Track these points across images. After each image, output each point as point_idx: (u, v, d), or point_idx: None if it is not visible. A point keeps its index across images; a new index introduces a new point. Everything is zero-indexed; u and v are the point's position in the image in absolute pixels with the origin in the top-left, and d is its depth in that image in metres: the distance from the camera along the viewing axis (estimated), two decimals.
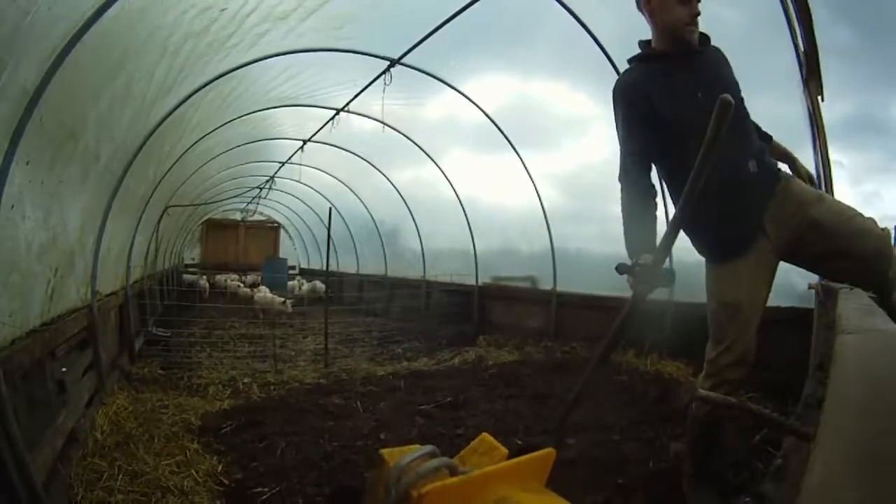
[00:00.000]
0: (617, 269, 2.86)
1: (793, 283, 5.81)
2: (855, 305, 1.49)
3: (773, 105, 6.32)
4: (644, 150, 3.13)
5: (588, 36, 6.80)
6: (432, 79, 8.70)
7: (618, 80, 3.32)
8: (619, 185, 3.15)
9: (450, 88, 8.96)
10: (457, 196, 11.80)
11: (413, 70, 8.29)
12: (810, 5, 4.57)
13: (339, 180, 14.94)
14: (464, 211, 11.88)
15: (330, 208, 10.06)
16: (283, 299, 12.99)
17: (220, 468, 4.42)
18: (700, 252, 3.29)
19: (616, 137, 3.30)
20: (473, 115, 9.50)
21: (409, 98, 9.35)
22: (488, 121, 9.43)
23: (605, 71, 7.11)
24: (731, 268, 3.02)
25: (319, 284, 17.04)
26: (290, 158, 13.36)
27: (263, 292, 14.49)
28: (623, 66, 6.97)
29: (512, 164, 9.82)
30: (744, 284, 2.95)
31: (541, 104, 9.46)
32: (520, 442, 4.70)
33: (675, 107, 2.97)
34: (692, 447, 3.19)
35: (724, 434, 3.23)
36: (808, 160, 5.52)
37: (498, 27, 7.31)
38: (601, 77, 7.35)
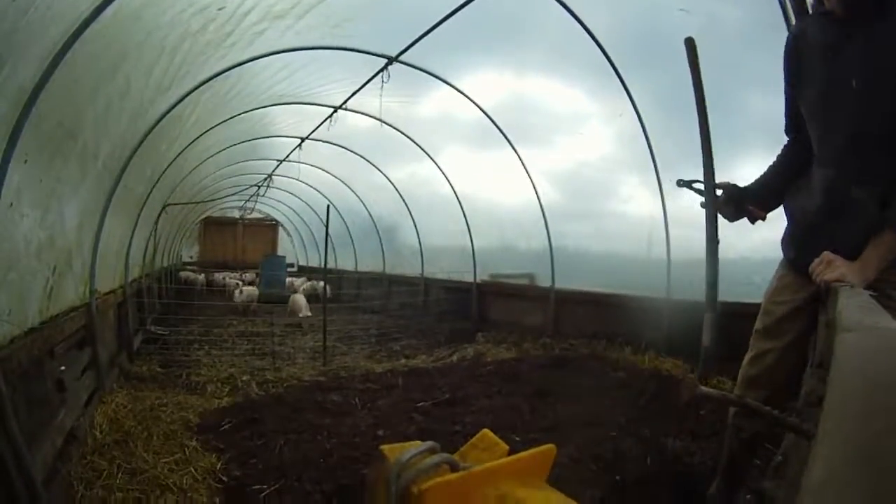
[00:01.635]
0: (678, 182, 3.09)
1: None
2: (855, 303, 1.49)
3: (771, 101, 6.32)
4: (787, 108, 2.95)
5: (585, 32, 6.80)
6: (429, 76, 8.70)
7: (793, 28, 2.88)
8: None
9: (447, 85, 8.95)
10: (454, 193, 11.82)
11: (410, 67, 8.28)
12: (808, 2, 4.57)
13: (337, 178, 14.93)
14: (461, 208, 11.89)
15: (328, 206, 10.06)
16: (308, 305, 12.98)
17: (218, 466, 4.43)
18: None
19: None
20: (471, 113, 9.50)
21: (407, 95, 9.35)
22: (485, 118, 9.43)
23: (601, 68, 7.12)
24: (787, 276, 2.84)
25: (319, 284, 17.01)
26: (288, 156, 13.34)
27: (247, 291, 14.54)
28: (619, 63, 7.01)
29: (509, 161, 9.83)
30: (789, 297, 2.77)
31: (537, 101, 9.46)
32: (518, 438, 4.71)
33: (810, 84, 2.63)
34: (728, 460, 3.12)
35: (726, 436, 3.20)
36: None
37: (495, 24, 7.30)
38: (598, 73, 7.36)
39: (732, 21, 5.98)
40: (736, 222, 2.99)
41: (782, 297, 2.81)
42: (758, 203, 2.95)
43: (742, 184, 2.95)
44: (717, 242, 2.90)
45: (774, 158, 3.04)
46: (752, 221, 2.98)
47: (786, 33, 4.41)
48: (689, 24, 6.16)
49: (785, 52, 2.75)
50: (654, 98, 7.41)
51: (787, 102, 2.90)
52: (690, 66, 2.89)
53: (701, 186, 2.98)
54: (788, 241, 2.81)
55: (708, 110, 3.08)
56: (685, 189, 3.13)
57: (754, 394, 2.76)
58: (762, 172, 3.03)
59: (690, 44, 2.88)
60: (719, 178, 2.99)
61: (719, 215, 3.06)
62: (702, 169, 3.28)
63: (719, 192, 2.98)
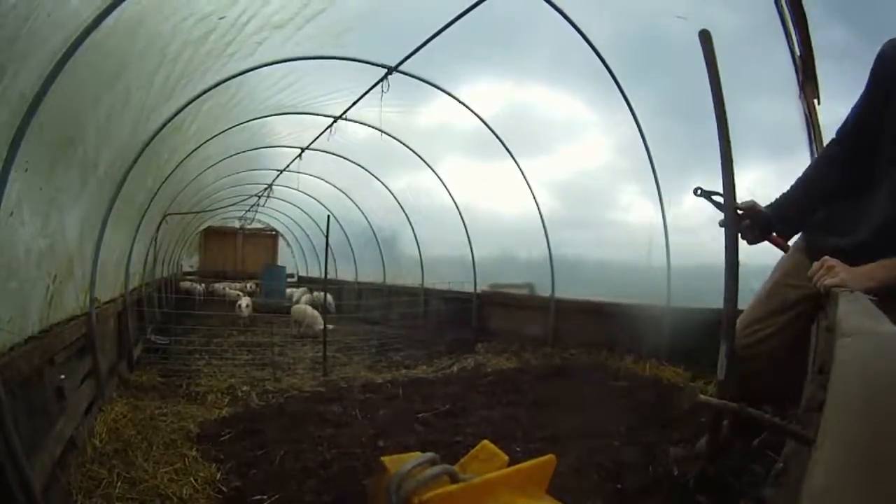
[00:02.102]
0: (695, 191, 2.98)
1: None
2: (856, 308, 1.49)
3: (769, 108, 6.32)
4: (856, 118, 2.65)
5: (584, 42, 6.83)
6: (429, 86, 8.72)
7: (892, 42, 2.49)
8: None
9: (446, 95, 8.97)
10: (454, 203, 11.83)
11: (410, 77, 8.31)
12: (805, 9, 4.59)
13: (337, 188, 14.95)
14: (461, 218, 11.90)
15: (328, 216, 10.06)
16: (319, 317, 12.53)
17: (218, 476, 4.41)
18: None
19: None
20: (470, 122, 9.54)
21: (406, 105, 9.37)
22: (485, 128, 9.46)
23: (600, 76, 7.14)
24: (805, 260, 2.72)
25: (321, 295, 16.78)
26: (288, 166, 13.36)
27: (246, 301, 14.16)
28: (617, 71, 7.03)
29: (509, 170, 9.86)
30: (803, 282, 2.63)
31: (536, 110, 9.47)
32: (518, 448, 4.70)
33: None
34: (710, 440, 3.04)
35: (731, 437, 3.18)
36: (804, 162, 5.55)
37: (493, 33, 7.31)
38: (596, 82, 7.38)
39: (730, 28, 6.00)
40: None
41: (795, 281, 2.79)
42: (786, 229, 2.92)
43: (743, 194, 2.89)
44: (737, 271, 2.75)
45: (810, 169, 2.95)
46: (780, 247, 2.97)
47: (783, 40, 4.37)
48: (686, 32, 6.19)
49: (872, 71, 2.51)
50: (651, 106, 7.42)
51: (858, 111, 2.62)
52: (707, 62, 2.71)
53: (721, 199, 2.83)
54: (826, 230, 2.72)
55: (705, 117, 2.98)
56: (688, 197, 3.07)
57: (744, 366, 2.76)
58: (792, 185, 2.94)
59: (706, 37, 2.69)
60: (717, 182, 2.89)
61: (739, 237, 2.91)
62: (705, 176, 3.18)
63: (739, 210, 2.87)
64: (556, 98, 9.16)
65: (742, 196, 2.87)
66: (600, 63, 7.03)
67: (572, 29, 6.70)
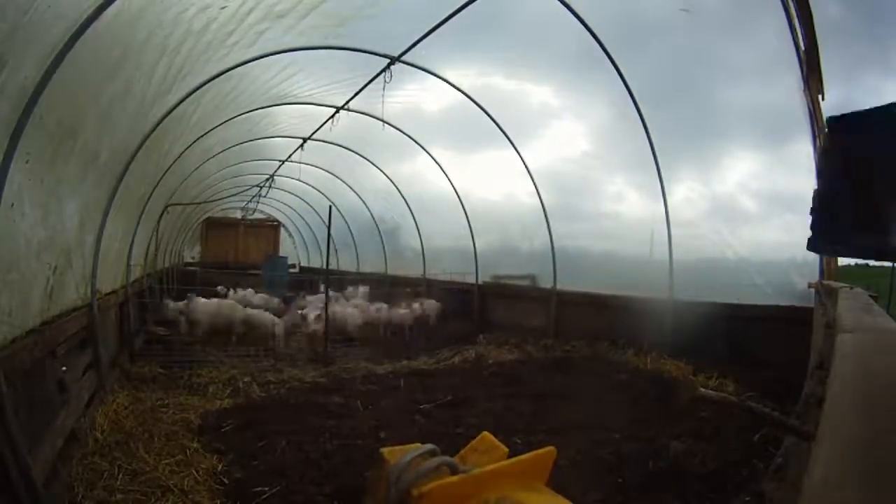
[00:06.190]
0: None
1: (793, 281, 5.78)
2: (855, 304, 1.48)
3: (756, 92, 6.14)
4: None
5: (572, 27, 6.73)
6: (433, 76, 8.67)
7: None
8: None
9: (447, 84, 8.92)
10: (457, 194, 11.84)
11: (412, 67, 8.28)
12: (811, 3, 4.53)
13: (339, 178, 14.92)
14: (464, 209, 11.90)
15: (330, 206, 10.05)
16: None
17: (220, 467, 4.43)
18: None
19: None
20: (473, 114, 9.48)
21: (409, 96, 9.34)
22: (489, 120, 9.41)
23: (601, 66, 7.07)
24: None
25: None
26: (290, 157, 13.33)
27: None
28: (621, 61, 6.94)
29: (511, 162, 9.89)
30: None
31: (540, 102, 9.38)
32: (519, 441, 4.70)
33: None
34: None
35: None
36: (801, 153, 5.46)
37: (492, 21, 7.25)
38: (593, 71, 7.30)
39: (713, 7, 5.83)
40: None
41: None
42: None
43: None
44: None
45: None
46: None
47: (771, 19, 4.23)
48: (667, 14, 6.04)
49: None
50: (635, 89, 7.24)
51: None
52: None
53: None
54: None
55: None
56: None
57: None
58: None
59: None
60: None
61: None
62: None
63: None
64: (560, 91, 9.09)
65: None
66: (602, 53, 6.94)
67: (567, 12, 6.61)
